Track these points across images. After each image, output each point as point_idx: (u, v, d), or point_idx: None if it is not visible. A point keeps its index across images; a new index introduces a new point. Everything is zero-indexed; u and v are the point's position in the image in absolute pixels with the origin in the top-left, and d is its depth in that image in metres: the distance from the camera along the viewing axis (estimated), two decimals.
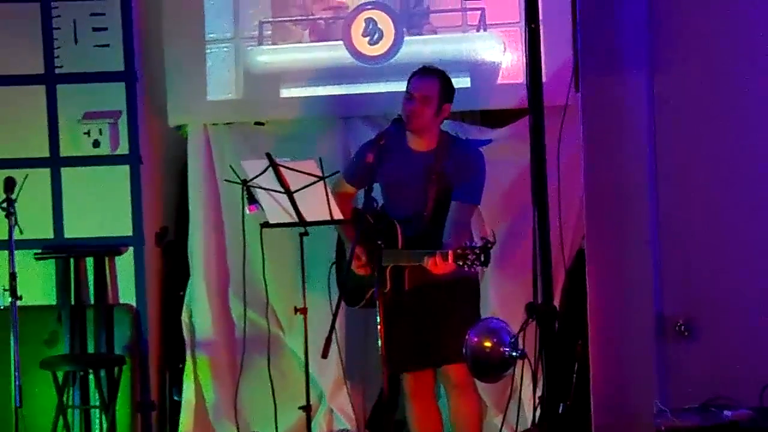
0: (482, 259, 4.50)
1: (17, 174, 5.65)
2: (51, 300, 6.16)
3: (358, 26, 6.09)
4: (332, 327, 4.48)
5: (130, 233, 6.20)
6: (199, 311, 6.30)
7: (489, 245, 4.50)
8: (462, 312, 5.01)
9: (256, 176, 5.26)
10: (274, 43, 6.20)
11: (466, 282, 5.08)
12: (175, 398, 6.34)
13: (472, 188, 5.02)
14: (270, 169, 5.19)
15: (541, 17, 4.15)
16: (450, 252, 4.56)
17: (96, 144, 6.21)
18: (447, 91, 5.10)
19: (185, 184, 6.34)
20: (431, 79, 5.09)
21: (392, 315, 4.76)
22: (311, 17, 6.18)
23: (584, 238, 5.23)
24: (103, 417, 5.84)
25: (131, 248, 6.19)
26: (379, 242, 4.61)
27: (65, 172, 6.23)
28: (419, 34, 6.08)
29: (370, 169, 4.82)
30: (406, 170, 5.09)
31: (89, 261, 6.13)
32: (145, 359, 6.20)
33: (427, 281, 4.91)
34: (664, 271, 4.94)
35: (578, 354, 5.25)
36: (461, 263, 4.53)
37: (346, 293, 4.95)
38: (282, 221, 5.37)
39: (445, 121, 5.54)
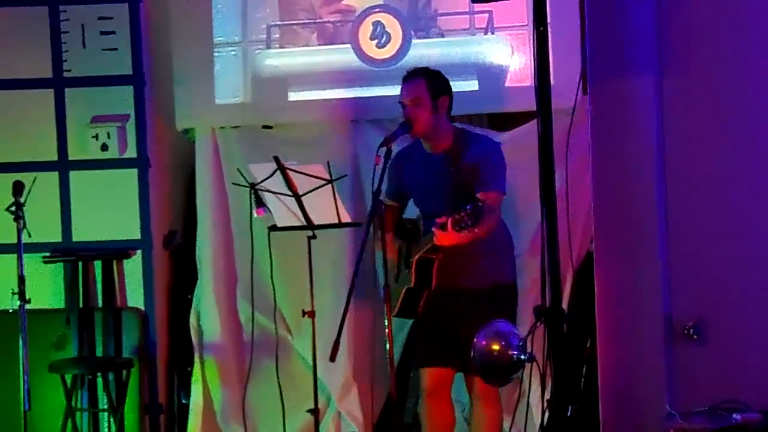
0: (474, 218, 4.48)
1: (26, 178, 5.66)
2: (59, 303, 6.17)
3: (366, 29, 6.09)
4: (340, 330, 4.48)
5: (139, 237, 6.21)
6: (207, 314, 6.30)
7: (480, 204, 4.50)
8: None
9: (264, 179, 5.27)
10: (281, 47, 6.21)
11: (504, 290, 5.05)
12: (183, 401, 6.34)
13: (493, 178, 4.95)
14: (278, 172, 5.20)
15: (549, 20, 4.14)
16: (449, 220, 4.55)
17: (104, 147, 6.22)
18: (437, 85, 5.05)
19: (193, 187, 6.34)
20: (416, 80, 5.06)
21: (425, 313, 4.86)
22: (319, 20, 6.19)
23: (593, 240, 5.22)
24: (112, 420, 5.85)
25: (139, 252, 6.20)
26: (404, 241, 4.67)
27: (73, 175, 6.24)
28: (427, 37, 6.08)
29: (383, 171, 4.83)
30: (426, 175, 5.07)
31: (97, 264, 6.14)
32: (153, 362, 6.20)
33: (463, 286, 4.93)
34: (672, 273, 4.93)
35: (587, 357, 5.24)
36: (458, 228, 4.51)
37: (402, 307, 4.98)
38: (290, 224, 5.38)
39: (458, 124, 5.53)
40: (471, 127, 5.86)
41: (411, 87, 5.05)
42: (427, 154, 5.10)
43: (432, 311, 4.98)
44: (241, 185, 5.46)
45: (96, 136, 6.23)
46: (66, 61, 6.22)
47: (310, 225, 5.30)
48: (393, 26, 6.07)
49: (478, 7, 5.92)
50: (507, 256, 5.12)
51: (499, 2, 5.24)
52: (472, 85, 5.95)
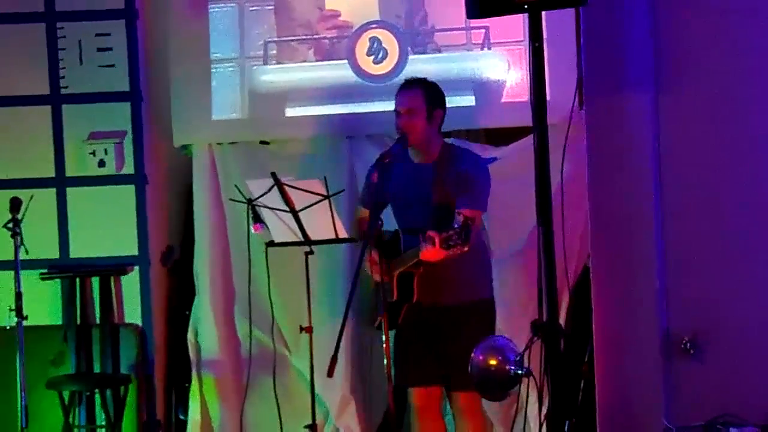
0: (463, 236, 4.52)
1: (23, 194, 5.66)
2: (57, 320, 6.16)
3: (363, 45, 6.10)
4: (337, 346, 4.48)
5: (136, 253, 6.21)
6: (205, 330, 6.30)
7: (469, 223, 4.52)
8: (476, 338, 4.96)
9: (261, 195, 5.27)
10: (279, 63, 6.21)
11: (483, 306, 5.05)
12: (181, 417, 6.33)
13: (473, 196, 4.95)
14: (275, 188, 5.20)
15: (545, 35, 4.15)
16: (437, 238, 4.55)
17: (101, 164, 6.23)
18: (433, 97, 5.05)
19: (191, 203, 6.35)
20: (413, 90, 5.06)
21: (406, 328, 4.84)
22: (316, 36, 6.20)
23: (589, 255, 5.22)
24: None
25: (137, 268, 6.20)
26: (386, 260, 4.64)
27: (71, 192, 6.24)
28: (423, 53, 6.09)
29: (377, 189, 4.84)
30: (408, 184, 5.07)
31: (95, 281, 6.13)
32: (151, 379, 6.20)
33: (443, 302, 4.92)
34: (669, 288, 4.94)
35: (584, 371, 5.24)
36: (446, 247, 4.54)
37: (366, 312, 4.95)
38: (287, 240, 5.37)
39: (449, 139, 5.54)
40: (464, 142, 5.87)
41: (408, 96, 5.05)
42: (413, 164, 5.10)
43: (413, 328, 4.97)
44: (239, 201, 5.47)
45: (93, 153, 6.24)
46: (63, 77, 6.23)
47: (307, 240, 5.30)
48: (390, 42, 6.09)
49: (474, 22, 5.92)
50: (485, 273, 5.11)
51: (496, 18, 5.25)
52: (469, 100, 5.96)
